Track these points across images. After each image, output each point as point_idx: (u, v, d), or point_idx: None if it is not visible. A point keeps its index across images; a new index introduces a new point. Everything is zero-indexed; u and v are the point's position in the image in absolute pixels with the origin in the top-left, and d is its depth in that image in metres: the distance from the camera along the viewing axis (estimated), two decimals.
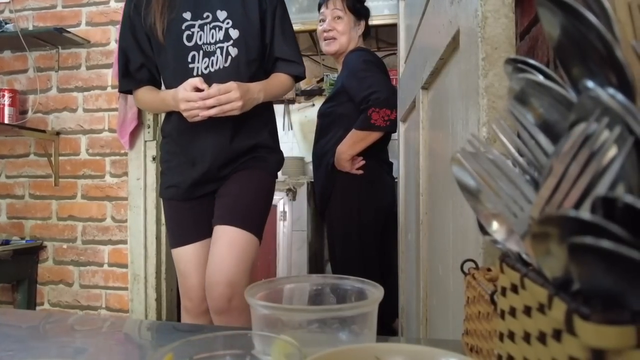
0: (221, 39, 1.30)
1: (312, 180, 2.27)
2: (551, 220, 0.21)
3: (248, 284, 1.17)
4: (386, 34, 2.64)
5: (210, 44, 1.30)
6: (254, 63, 1.34)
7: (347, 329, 0.41)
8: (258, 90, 1.28)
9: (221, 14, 1.30)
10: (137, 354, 0.51)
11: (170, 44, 1.30)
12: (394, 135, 1.87)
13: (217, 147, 1.32)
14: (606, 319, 0.18)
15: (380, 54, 2.71)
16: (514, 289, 0.29)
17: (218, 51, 1.30)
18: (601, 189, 0.21)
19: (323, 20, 2.01)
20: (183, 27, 1.29)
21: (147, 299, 2.39)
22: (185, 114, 1.21)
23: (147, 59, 1.37)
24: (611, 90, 0.21)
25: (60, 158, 2.61)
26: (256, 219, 1.32)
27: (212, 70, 1.30)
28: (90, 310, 2.57)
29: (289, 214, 2.30)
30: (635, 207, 0.19)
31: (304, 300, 0.52)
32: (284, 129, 3.05)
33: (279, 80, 1.39)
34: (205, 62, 1.30)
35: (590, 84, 0.23)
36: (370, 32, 2.14)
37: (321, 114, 2.03)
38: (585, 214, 0.19)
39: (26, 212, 2.66)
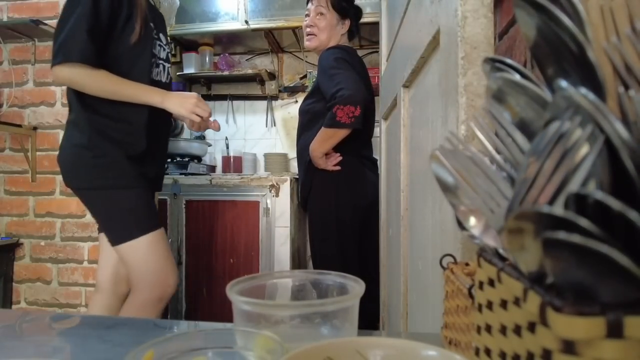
0: (164, 58, 1.54)
1: (297, 176, 2.27)
2: (526, 216, 0.21)
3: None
4: (368, 32, 2.63)
5: (161, 59, 1.51)
6: None
7: (328, 324, 0.42)
8: None
9: (164, 38, 1.55)
10: (118, 351, 0.51)
11: (145, 43, 1.42)
12: (377, 132, 1.87)
13: None
14: (577, 310, 0.19)
15: (362, 52, 2.71)
16: (491, 283, 0.29)
17: (161, 67, 1.52)
18: (574, 185, 0.21)
19: (308, 16, 2.00)
20: (154, 35, 1.48)
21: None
22: (189, 120, 1.43)
23: (104, 34, 1.33)
24: (583, 90, 0.22)
25: (38, 153, 2.56)
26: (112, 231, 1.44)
27: (165, 81, 1.54)
28: (69, 308, 2.53)
29: (272, 210, 2.30)
30: (605, 203, 0.19)
31: (286, 296, 0.53)
32: (267, 126, 3.04)
33: None
34: (157, 72, 1.49)
35: (563, 83, 0.24)
36: (356, 32, 2.10)
37: (301, 111, 2.02)
38: (558, 209, 0.20)
39: (1, 208, 2.60)
